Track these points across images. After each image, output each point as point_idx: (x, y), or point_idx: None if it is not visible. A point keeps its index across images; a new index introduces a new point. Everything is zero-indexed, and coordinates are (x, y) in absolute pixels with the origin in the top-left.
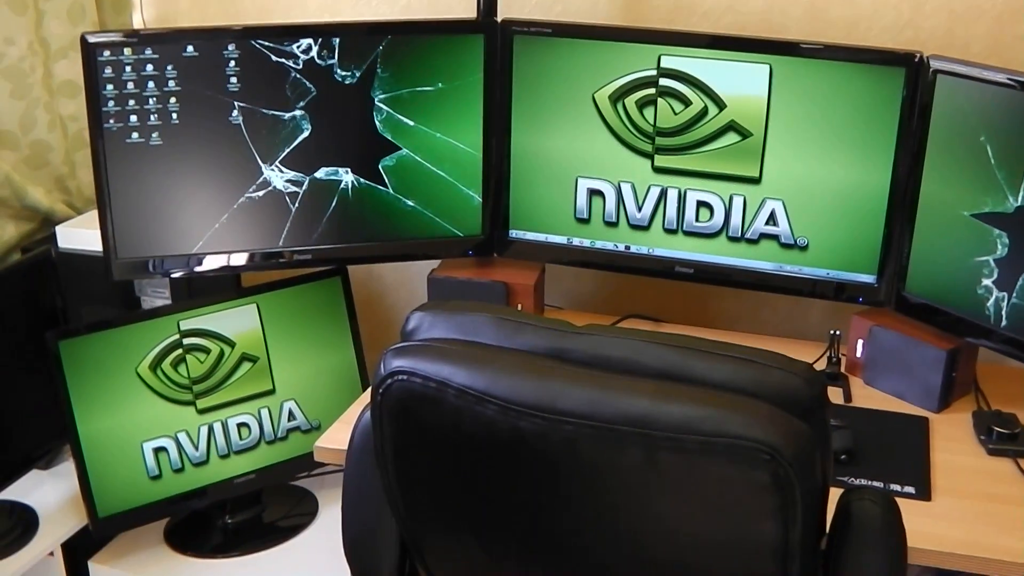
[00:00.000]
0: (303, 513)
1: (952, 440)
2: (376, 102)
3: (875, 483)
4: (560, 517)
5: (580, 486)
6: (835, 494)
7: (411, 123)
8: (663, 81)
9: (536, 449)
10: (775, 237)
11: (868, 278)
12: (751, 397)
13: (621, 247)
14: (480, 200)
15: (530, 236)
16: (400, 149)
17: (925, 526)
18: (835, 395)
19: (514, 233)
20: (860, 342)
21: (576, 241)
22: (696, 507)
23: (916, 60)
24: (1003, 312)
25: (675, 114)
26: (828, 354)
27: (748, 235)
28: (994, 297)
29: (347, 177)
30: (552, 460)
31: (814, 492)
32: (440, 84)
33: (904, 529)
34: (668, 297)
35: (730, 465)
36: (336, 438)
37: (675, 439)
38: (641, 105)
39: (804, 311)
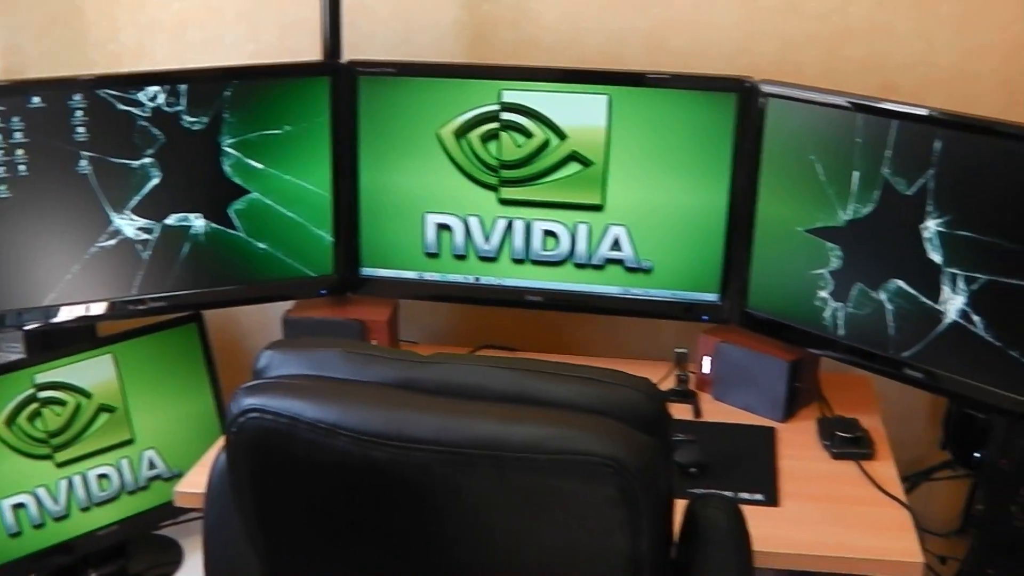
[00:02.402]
0: (168, 562)
1: (798, 447)
2: (224, 147)
3: (726, 492)
4: (422, 539)
5: (438, 508)
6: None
7: (260, 166)
8: (505, 115)
9: (392, 476)
10: (620, 262)
11: (712, 297)
12: (596, 414)
13: (471, 279)
14: (331, 240)
15: (382, 273)
16: (250, 192)
17: (774, 530)
18: (685, 411)
19: (366, 271)
20: (707, 359)
21: (427, 276)
22: (549, 522)
23: (747, 85)
24: (840, 322)
25: (518, 147)
26: (676, 372)
27: (594, 261)
28: (831, 308)
29: (198, 222)
30: (408, 486)
31: (660, 502)
32: (287, 127)
33: (749, 532)
34: (522, 326)
35: (578, 480)
36: (195, 482)
37: (524, 459)
38: (484, 139)
39: (657, 332)
